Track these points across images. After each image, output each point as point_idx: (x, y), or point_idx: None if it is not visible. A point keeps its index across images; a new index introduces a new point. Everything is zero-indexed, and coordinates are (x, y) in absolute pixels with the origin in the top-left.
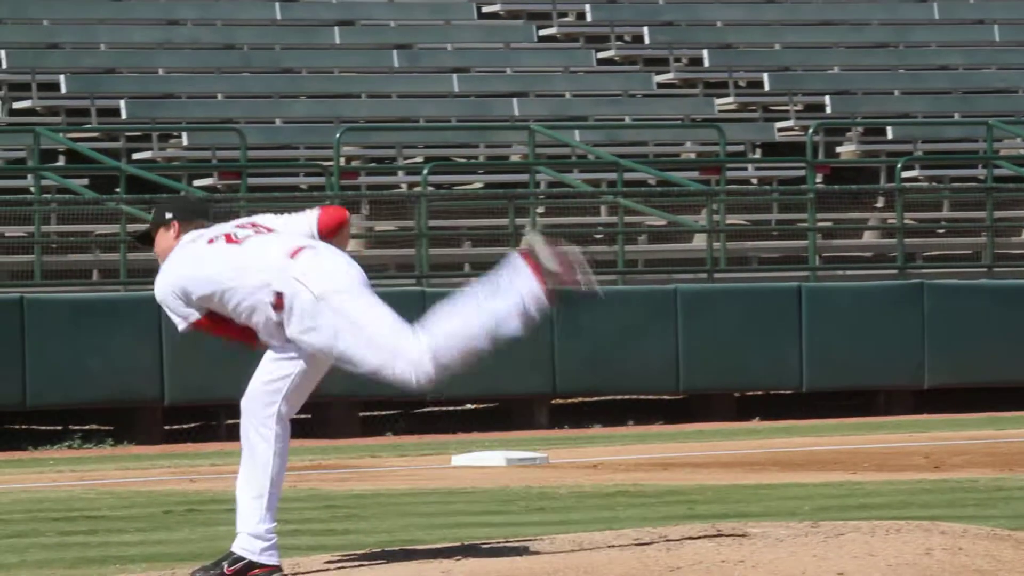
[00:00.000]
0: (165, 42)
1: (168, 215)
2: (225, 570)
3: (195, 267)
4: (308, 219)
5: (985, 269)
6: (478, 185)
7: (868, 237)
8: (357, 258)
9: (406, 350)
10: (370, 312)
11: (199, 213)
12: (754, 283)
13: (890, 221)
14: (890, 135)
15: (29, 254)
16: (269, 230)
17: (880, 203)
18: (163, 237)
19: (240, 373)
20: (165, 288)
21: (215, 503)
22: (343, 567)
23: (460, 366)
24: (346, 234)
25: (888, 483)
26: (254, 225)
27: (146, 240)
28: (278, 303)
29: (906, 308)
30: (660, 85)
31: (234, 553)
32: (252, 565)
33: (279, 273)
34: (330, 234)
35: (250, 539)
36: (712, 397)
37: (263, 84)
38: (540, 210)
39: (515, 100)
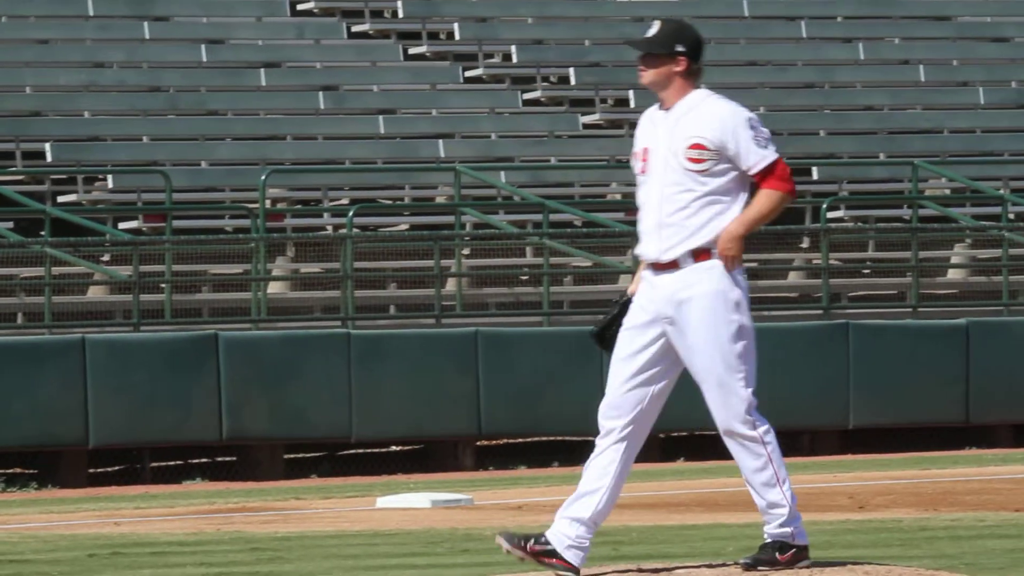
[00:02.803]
0: (91, 84)
1: (681, 48)
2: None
3: None
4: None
5: (910, 309)
6: (404, 227)
7: (793, 277)
8: (283, 300)
9: None
10: None
11: (700, 56)
12: None
13: (815, 261)
14: (815, 175)
15: None
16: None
17: (805, 243)
18: (667, 67)
19: (164, 416)
20: (747, 112)
21: (139, 546)
22: None
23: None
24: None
25: (812, 523)
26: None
27: (644, 49)
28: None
29: (831, 348)
30: (586, 126)
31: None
32: (554, 554)
33: None
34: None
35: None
36: None
37: (189, 126)
38: (465, 251)
39: (441, 141)
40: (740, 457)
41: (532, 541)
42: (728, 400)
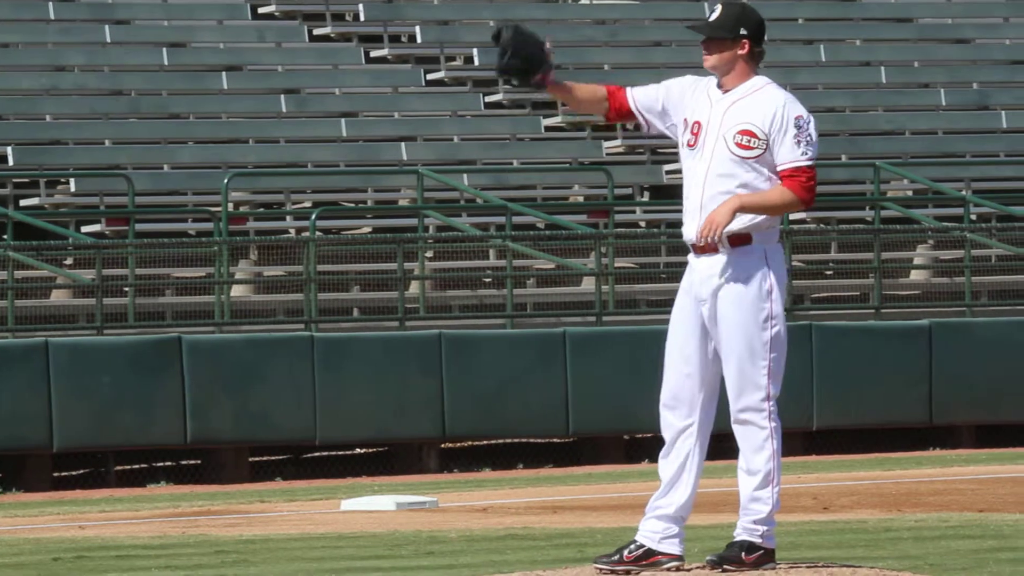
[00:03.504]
0: (52, 88)
1: (744, 31)
2: (625, 556)
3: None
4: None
5: (873, 310)
6: (367, 230)
7: None
8: (246, 303)
9: None
10: None
11: (762, 39)
12: (643, 326)
13: None
14: None
15: None
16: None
17: None
18: (731, 51)
19: (128, 419)
20: (802, 110)
21: (104, 550)
22: None
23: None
24: None
25: (777, 524)
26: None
27: (707, 33)
28: None
29: (794, 350)
30: (548, 128)
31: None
32: (651, 552)
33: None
34: None
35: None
36: (601, 440)
37: (151, 130)
38: (429, 254)
39: (403, 144)
40: (744, 446)
41: (625, 551)
42: (746, 386)
